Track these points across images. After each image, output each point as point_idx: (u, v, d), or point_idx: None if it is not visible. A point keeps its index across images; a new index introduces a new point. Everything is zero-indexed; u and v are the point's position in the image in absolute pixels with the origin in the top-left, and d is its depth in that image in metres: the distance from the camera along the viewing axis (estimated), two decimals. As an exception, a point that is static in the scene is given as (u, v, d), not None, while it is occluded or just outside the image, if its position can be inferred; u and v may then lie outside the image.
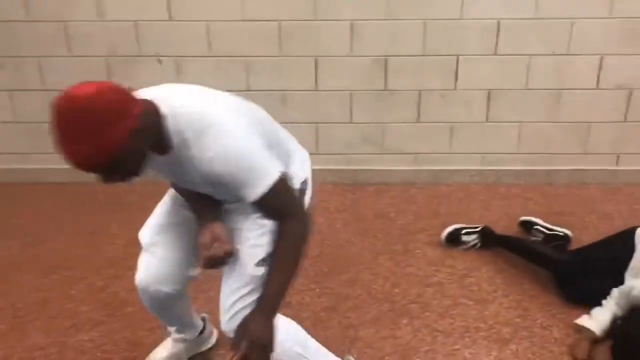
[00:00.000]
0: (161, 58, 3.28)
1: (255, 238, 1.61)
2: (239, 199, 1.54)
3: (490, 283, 2.54)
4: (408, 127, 3.41)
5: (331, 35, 3.21)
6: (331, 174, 3.46)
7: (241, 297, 1.57)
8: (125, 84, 1.34)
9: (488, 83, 3.30)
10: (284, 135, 1.78)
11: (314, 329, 2.22)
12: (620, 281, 2.26)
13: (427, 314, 2.34)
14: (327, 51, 3.25)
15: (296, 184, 1.69)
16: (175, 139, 1.44)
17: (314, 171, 1.84)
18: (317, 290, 2.51)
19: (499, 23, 3.17)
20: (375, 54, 3.24)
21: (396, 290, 2.50)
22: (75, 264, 2.71)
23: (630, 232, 2.37)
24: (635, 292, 2.14)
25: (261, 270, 1.57)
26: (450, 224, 2.86)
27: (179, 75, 3.31)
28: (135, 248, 1.80)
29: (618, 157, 3.45)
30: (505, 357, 2.09)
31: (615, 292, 2.22)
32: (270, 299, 1.54)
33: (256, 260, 1.58)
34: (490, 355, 2.11)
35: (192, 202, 1.73)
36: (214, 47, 3.26)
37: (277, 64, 3.28)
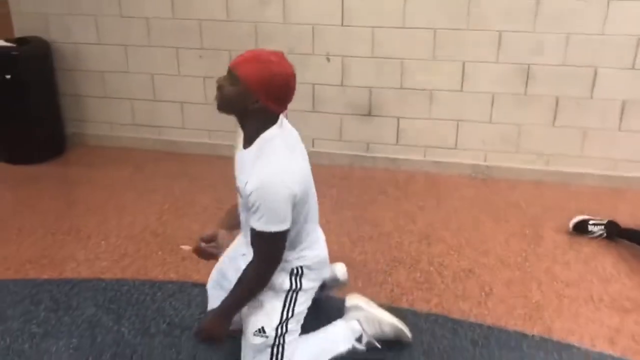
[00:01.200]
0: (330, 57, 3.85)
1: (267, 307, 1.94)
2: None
3: (614, 267, 2.82)
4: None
5: (479, 42, 3.61)
6: (468, 168, 3.86)
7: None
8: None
9: (623, 94, 3.55)
10: (313, 209, 2.01)
11: (453, 283, 2.64)
12: None
13: (554, 283, 2.68)
14: (474, 57, 3.66)
15: (303, 262, 1.98)
16: (257, 145, 1.79)
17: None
18: (456, 255, 2.92)
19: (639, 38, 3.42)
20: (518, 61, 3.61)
21: (527, 263, 2.85)
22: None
23: None
24: None
25: (259, 340, 1.91)
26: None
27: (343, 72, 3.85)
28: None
29: None
30: (624, 323, 2.38)
31: None
32: (226, 307, 1.90)
33: (255, 329, 1.92)
34: (613, 319, 2.41)
35: (233, 208, 2.08)
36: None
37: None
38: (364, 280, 2.67)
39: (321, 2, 3.71)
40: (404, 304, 2.50)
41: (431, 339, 2.28)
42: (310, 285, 2.01)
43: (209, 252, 1.98)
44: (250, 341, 1.93)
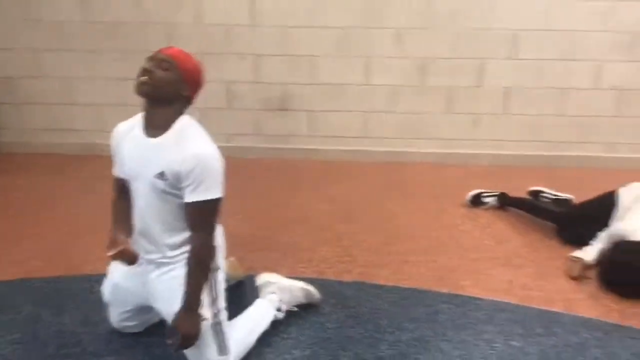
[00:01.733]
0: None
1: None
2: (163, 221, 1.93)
3: (506, 231, 3.23)
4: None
5: (382, 39, 3.95)
6: (377, 155, 4.21)
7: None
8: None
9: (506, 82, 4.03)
10: None
11: (372, 255, 2.93)
12: (604, 228, 2.93)
13: (458, 248, 3.04)
14: (378, 53, 3.99)
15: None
16: (173, 130, 1.87)
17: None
18: (372, 231, 3.22)
19: (516, 33, 3.90)
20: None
21: (434, 233, 3.20)
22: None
23: (613, 192, 3.05)
24: (616, 232, 2.82)
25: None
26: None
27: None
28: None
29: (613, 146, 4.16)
30: (517, 276, 2.78)
31: (601, 233, 2.89)
32: (191, 299, 1.90)
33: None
34: (507, 273, 2.80)
35: (119, 214, 2.06)
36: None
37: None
38: (293, 259, 2.90)
39: (233, 3, 3.89)
40: (331, 276, 2.75)
41: (356, 303, 2.54)
42: (222, 262, 2.14)
43: (131, 254, 1.95)
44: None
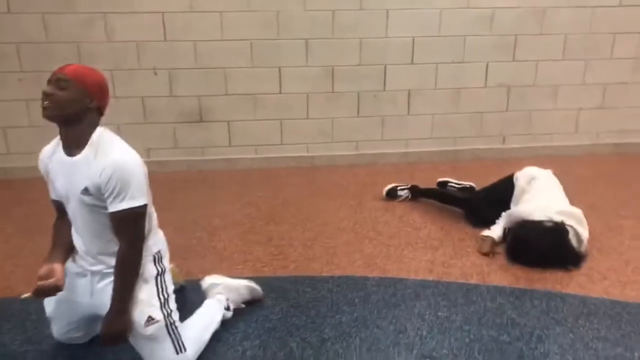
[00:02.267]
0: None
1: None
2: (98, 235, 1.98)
3: (421, 218, 3.53)
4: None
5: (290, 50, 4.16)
6: (294, 160, 4.39)
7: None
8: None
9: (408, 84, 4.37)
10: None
11: (303, 250, 3.11)
12: (506, 209, 3.30)
13: (380, 237, 3.28)
14: (288, 62, 4.20)
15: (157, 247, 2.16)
16: (90, 145, 1.90)
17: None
18: (301, 229, 3.39)
19: (413, 40, 4.25)
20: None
21: (357, 226, 3.43)
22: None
23: (511, 176, 3.44)
24: (516, 213, 3.18)
25: (152, 328, 2.01)
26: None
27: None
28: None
29: (504, 138, 4.62)
30: (436, 257, 3.06)
31: (503, 214, 3.25)
32: (117, 302, 1.96)
33: (144, 320, 2.01)
34: (427, 255, 3.07)
35: (57, 235, 2.11)
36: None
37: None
38: (229, 262, 3.01)
39: (144, 19, 3.94)
40: (267, 274, 2.89)
41: (295, 294, 2.70)
42: (167, 265, 2.22)
43: (52, 287, 1.91)
44: (145, 334, 2.02)
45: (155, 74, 4.06)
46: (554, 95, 4.55)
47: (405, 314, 2.52)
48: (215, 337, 2.33)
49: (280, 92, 4.24)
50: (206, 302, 2.43)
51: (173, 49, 4.03)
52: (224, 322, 2.41)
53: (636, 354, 2.24)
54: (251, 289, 2.57)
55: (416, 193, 3.78)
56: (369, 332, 2.39)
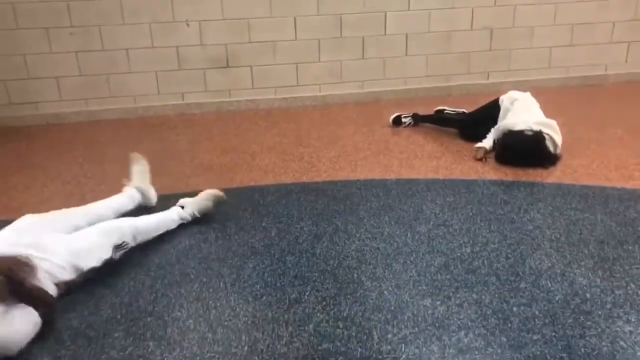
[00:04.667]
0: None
1: None
2: None
3: (424, 139, 4.21)
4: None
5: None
6: (309, 99, 5.03)
7: None
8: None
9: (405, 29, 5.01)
10: None
11: (331, 164, 3.77)
12: (493, 126, 3.99)
13: (392, 152, 3.97)
14: (303, 12, 4.80)
15: None
16: None
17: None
18: (326, 149, 4.06)
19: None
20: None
21: (372, 145, 4.11)
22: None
23: (497, 99, 4.13)
24: (503, 127, 3.88)
25: None
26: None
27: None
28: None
29: (488, 74, 5.31)
30: (440, 163, 3.76)
31: (492, 129, 3.95)
32: None
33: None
34: (432, 162, 3.77)
35: None
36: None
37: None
38: (273, 174, 3.66)
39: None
40: (305, 180, 3.56)
41: (332, 192, 3.37)
42: None
43: None
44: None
45: (188, 25, 4.63)
46: (530, 35, 5.22)
47: (421, 201, 3.22)
48: (286, 218, 3.02)
49: (295, 39, 4.84)
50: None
51: (203, 3, 4.59)
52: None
53: (599, 217, 2.97)
54: (213, 196, 3.04)
55: (418, 119, 4.45)
56: (394, 213, 3.08)
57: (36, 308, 2.14)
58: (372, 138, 4.27)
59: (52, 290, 2.30)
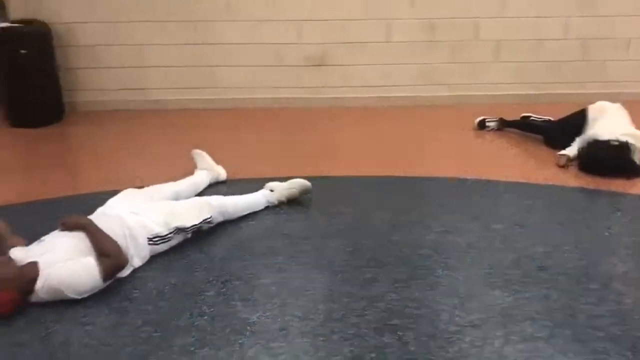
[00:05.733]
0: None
1: None
2: None
3: (508, 143, 4.26)
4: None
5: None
6: (400, 99, 5.18)
7: None
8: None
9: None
10: None
11: (429, 153, 3.90)
12: (578, 136, 3.97)
13: (475, 154, 4.05)
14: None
15: None
16: None
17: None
18: (422, 143, 4.20)
19: (504, -3, 4.92)
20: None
21: (459, 144, 4.21)
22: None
23: (584, 109, 4.09)
24: (588, 136, 3.86)
25: None
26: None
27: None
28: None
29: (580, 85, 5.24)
30: (522, 168, 3.79)
31: (577, 138, 3.93)
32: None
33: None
34: (514, 166, 3.81)
35: None
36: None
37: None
38: (359, 167, 3.85)
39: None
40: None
41: (404, 191, 3.51)
42: None
43: None
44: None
45: (289, 26, 4.92)
46: (626, 47, 5.11)
47: (498, 201, 3.32)
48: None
49: (388, 41, 5.01)
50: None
51: (304, 3, 4.86)
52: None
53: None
54: (300, 185, 3.25)
55: (503, 124, 4.48)
56: (471, 210, 3.18)
57: (105, 257, 2.43)
58: (456, 139, 4.36)
59: (143, 244, 2.65)
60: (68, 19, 4.84)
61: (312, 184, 3.27)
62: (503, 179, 3.62)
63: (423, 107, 5.11)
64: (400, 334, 2.16)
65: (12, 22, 4.64)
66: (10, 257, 2.39)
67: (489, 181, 3.58)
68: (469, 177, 3.63)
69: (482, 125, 4.52)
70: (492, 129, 4.50)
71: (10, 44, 4.49)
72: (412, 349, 2.09)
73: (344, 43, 5.00)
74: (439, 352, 2.07)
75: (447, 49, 5.06)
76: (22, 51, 4.47)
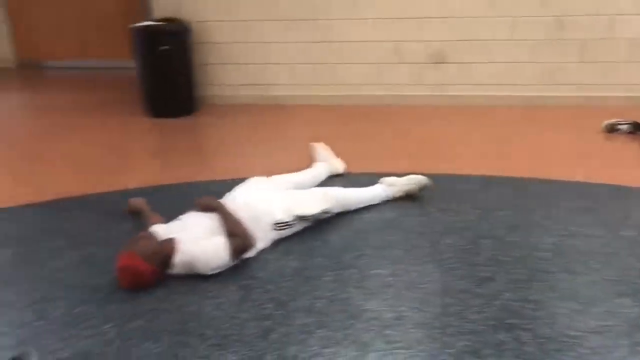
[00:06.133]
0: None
1: None
2: None
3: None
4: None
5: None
6: (523, 100, 5.03)
7: None
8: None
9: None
10: None
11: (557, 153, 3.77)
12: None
13: (602, 157, 3.84)
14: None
15: None
16: None
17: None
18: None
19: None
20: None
21: (580, 148, 4.02)
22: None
23: None
24: None
25: None
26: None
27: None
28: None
29: None
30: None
31: None
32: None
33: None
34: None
35: None
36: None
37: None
38: (476, 166, 3.80)
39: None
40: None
41: (524, 192, 3.41)
42: None
43: None
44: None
45: (412, 24, 4.93)
46: None
47: (630, 207, 3.13)
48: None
49: (511, 39, 4.86)
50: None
51: (422, 1, 4.86)
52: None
53: None
54: (418, 180, 3.26)
55: (637, 127, 4.21)
56: (597, 215, 3.04)
57: (234, 237, 2.61)
58: (582, 142, 4.16)
59: (267, 229, 2.80)
60: (206, 18, 5.18)
61: (429, 180, 3.28)
62: (636, 185, 3.40)
63: (547, 107, 4.91)
64: (518, 333, 2.13)
65: (156, 20, 5.05)
66: (151, 233, 2.64)
67: (618, 187, 3.38)
68: (596, 182, 3.45)
69: (611, 128, 4.27)
70: (622, 132, 4.24)
71: (153, 40, 4.90)
72: (529, 349, 2.05)
73: (466, 40, 4.93)
74: (556, 355, 2.02)
75: (575, 47, 4.82)
76: (164, 47, 4.86)
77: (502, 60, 4.94)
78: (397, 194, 3.27)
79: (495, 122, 4.66)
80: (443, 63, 5.02)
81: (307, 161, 3.65)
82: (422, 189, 3.28)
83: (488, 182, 3.52)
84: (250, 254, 2.70)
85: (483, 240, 2.83)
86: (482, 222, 3.01)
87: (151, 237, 2.60)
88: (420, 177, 3.29)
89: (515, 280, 2.48)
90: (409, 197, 3.27)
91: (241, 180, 3.18)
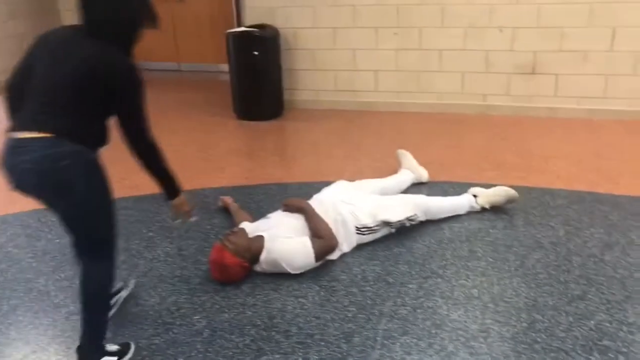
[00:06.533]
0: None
1: None
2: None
3: None
4: None
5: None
6: (615, 113, 4.78)
7: None
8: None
9: None
10: None
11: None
12: None
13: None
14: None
15: None
16: None
17: None
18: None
19: None
20: None
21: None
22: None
23: None
24: None
25: None
26: None
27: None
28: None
29: None
30: None
31: None
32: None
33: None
34: None
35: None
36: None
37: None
38: (568, 180, 3.65)
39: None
40: (601, 192, 3.46)
41: (620, 210, 3.23)
42: None
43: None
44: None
45: (501, 31, 4.81)
46: None
47: None
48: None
49: (610, 50, 4.64)
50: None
51: (518, 10, 4.72)
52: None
53: None
54: (507, 193, 3.18)
55: None
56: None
57: (319, 238, 2.66)
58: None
59: (352, 232, 2.83)
60: (295, 25, 5.29)
61: (517, 193, 3.18)
62: None
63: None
64: (612, 356, 2.03)
65: (248, 26, 5.22)
66: (242, 229, 2.73)
67: None
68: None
69: None
70: None
71: (245, 46, 5.06)
72: (625, 374, 1.95)
73: (559, 51, 4.75)
74: (655, 383, 1.91)
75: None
76: (255, 52, 5.00)
77: (598, 72, 4.72)
78: (483, 205, 3.21)
79: (589, 136, 4.46)
80: (533, 74, 4.86)
81: (392, 167, 3.64)
82: (509, 201, 3.20)
83: (580, 197, 3.38)
84: (334, 256, 2.73)
85: (574, 257, 2.72)
86: (573, 239, 2.90)
87: (242, 233, 2.68)
88: (507, 188, 3.21)
89: (610, 301, 2.37)
90: (494, 209, 3.19)
91: (327, 183, 3.23)
